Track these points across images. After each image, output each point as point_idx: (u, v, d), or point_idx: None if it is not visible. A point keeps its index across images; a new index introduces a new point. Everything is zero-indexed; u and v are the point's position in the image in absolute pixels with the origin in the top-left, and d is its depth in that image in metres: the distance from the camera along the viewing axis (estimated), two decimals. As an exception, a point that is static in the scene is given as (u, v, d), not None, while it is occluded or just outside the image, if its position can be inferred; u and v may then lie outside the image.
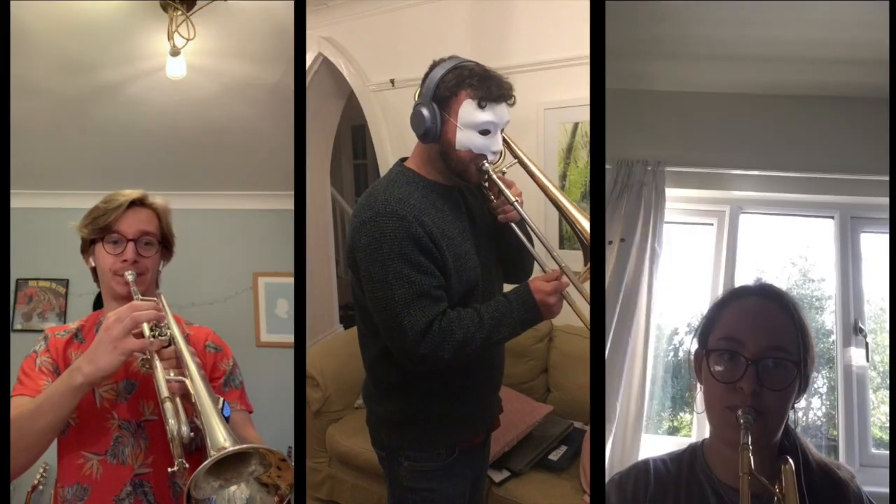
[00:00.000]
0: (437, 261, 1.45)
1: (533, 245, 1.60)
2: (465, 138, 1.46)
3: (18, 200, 3.23)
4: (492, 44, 3.05)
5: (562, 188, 3.01)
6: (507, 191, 1.50)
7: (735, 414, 1.07)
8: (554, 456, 2.56)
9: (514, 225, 1.58)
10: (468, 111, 1.45)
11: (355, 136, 6.70)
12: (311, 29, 3.57)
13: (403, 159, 1.61)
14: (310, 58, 3.66)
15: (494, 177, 1.50)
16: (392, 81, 3.40)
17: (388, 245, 1.40)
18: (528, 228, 1.56)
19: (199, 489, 1.04)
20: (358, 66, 3.55)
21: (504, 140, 1.58)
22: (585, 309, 1.53)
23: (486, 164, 1.49)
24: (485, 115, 1.45)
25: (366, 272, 1.44)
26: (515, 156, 1.60)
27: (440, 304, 1.44)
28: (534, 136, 2.98)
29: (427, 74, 1.51)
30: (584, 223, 1.51)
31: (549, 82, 2.91)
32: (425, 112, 1.46)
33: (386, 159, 3.58)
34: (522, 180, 1.61)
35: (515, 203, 1.51)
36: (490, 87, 1.44)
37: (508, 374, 2.94)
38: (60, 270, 3.54)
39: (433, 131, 1.47)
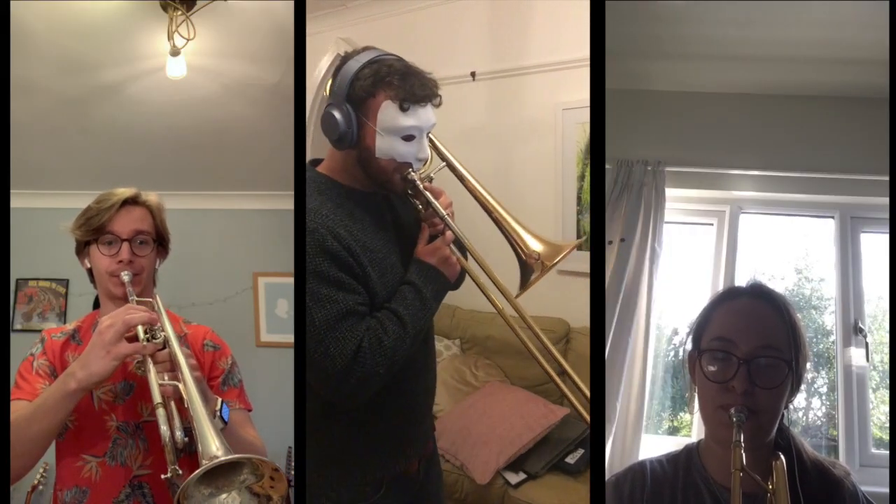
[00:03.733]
0: (358, 276, 1.28)
1: (466, 257, 1.44)
2: (386, 145, 1.28)
3: (18, 200, 3.22)
4: (509, 44, 3.04)
5: (580, 189, 3.00)
6: (435, 203, 1.34)
7: (728, 413, 1.08)
8: (571, 459, 2.56)
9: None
10: (389, 115, 1.27)
11: None
12: (329, 30, 3.58)
13: (315, 162, 1.43)
14: (328, 59, 3.66)
15: (421, 187, 1.33)
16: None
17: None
18: (463, 241, 1.38)
19: (189, 497, 1.04)
20: None
21: (432, 143, 1.42)
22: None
23: (412, 174, 1.32)
24: (408, 120, 1.27)
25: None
26: (444, 158, 1.43)
27: (365, 320, 1.28)
28: (552, 138, 2.97)
29: (338, 68, 1.31)
30: (528, 239, 1.33)
31: (566, 82, 2.89)
32: (337, 115, 1.28)
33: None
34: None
35: (446, 217, 1.34)
36: (413, 87, 1.27)
37: (524, 377, 2.97)
38: (60, 270, 3.54)
39: (349, 136, 1.29)
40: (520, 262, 1.33)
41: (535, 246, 1.32)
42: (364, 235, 1.32)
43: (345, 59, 1.32)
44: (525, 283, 1.31)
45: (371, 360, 1.24)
